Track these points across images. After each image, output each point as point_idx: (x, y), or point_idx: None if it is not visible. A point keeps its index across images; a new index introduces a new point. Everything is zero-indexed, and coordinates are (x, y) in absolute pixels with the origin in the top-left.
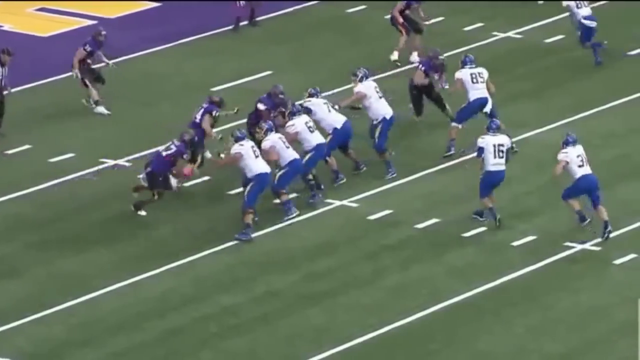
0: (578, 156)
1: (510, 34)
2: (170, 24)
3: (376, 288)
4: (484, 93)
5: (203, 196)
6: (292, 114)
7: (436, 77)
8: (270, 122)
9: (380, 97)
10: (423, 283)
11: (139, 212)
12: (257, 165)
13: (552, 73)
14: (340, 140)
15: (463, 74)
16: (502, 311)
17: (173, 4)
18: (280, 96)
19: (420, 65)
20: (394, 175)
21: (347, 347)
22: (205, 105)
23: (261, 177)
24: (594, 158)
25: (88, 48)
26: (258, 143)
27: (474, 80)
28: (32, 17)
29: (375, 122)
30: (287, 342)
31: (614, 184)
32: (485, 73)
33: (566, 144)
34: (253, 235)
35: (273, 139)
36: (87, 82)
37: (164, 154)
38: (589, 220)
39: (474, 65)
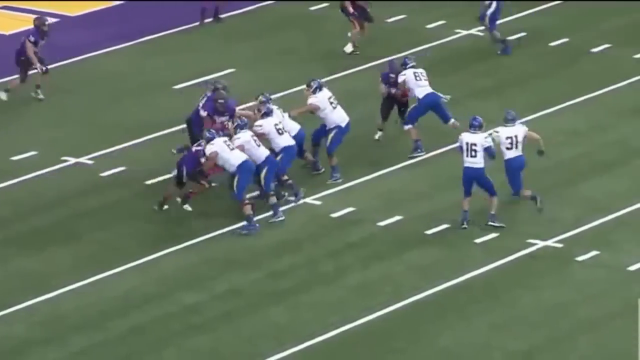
0: (508, 138)
1: (473, 31)
2: (131, 22)
3: (339, 286)
4: (430, 89)
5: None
6: (265, 114)
7: (393, 90)
8: (213, 131)
9: (335, 107)
10: (386, 281)
11: (185, 206)
12: (235, 158)
13: (514, 70)
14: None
15: (407, 74)
16: (465, 308)
17: (134, 2)
18: (220, 101)
19: (380, 78)
20: (338, 181)
21: (310, 345)
22: (208, 94)
23: (243, 166)
24: (556, 155)
25: (32, 38)
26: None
27: (417, 78)
28: None
29: (328, 129)
30: (249, 341)
31: (576, 182)
32: (425, 73)
33: (505, 121)
34: (218, 232)
35: (244, 138)
36: (24, 71)
37: (194, 149)
38: (539, 198)
39: (415, 64)
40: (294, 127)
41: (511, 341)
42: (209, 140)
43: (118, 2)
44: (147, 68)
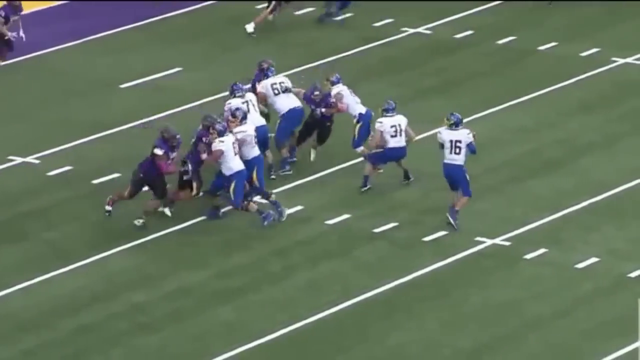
0: (392, 126)
1: (420, 29)
2: (80, 20)
3: (287, 285)
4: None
5: (113, 193)
6: (220, 133)
7: (318, 111)
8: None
9: (277, 94)
10: (334, 279)
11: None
12: (237, 163)
13: (461, 68)
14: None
15: (340, 88)
16: (414, 307)
17: (82, 1)
18: (177, 137)
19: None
20: (289, 173)
21: (258, 344)
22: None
23: (242, 174)
24: (503, 153)
25: (2, 13)
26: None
27: (353, 94)
28: None
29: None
30: (198, 340)
31: (523, 179)
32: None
33: (385, 111)
34: (166, 231)
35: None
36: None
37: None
38: (368, 187)
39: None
40: (260, 121)
41: (460, 339)
42: (220, 133)
43: (66, 1)
44: (94, 67)
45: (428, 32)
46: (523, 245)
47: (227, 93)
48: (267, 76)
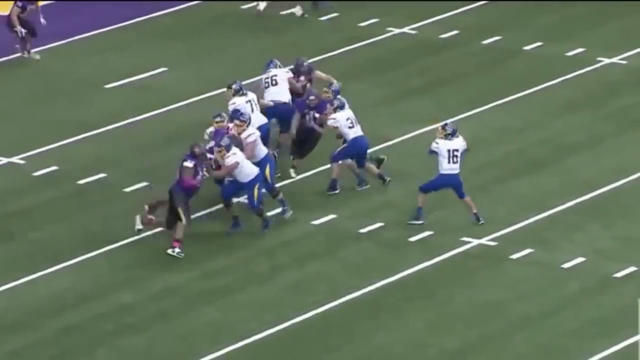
0: (347, 119)
1: (406, 29)
2: (64, 20)
3: (274, 285)
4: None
5: (98, 194)
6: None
7: (312, 114)
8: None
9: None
10: (320, 279)
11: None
12: (251, 168)
13: (447, 68)
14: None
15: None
16: (400, 307)
17: (67, 1)
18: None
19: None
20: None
21: (245, 344)
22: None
23: (259, 177)
24: (488, 153)
25: (20, 4)
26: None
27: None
28: None
29: None
30: (184, 340)
31: (509, 179)
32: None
33: (336, 109)
34: (152, 232)
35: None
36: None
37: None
38: (337, 190)
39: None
40: (262, 119)
41: (446, 339)
42: (228, 148)
43: (51, 1)
44: (79, 67)
45: (413, 32)
46: (509, 245)
47: (213, 93)
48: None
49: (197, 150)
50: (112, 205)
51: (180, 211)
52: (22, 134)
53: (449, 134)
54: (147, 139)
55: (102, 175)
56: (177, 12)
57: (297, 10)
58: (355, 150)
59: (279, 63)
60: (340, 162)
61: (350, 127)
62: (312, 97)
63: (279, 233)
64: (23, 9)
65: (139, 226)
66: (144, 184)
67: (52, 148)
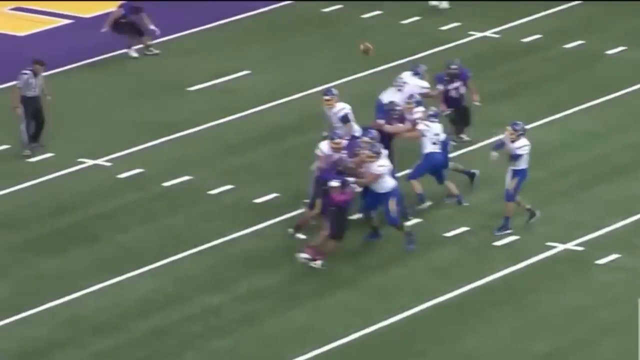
0: (436, 134)
1: (488, 33)
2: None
3: (360, 289)
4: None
5: (183, 196)
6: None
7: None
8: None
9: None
10: (407, 283)
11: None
12: (391, 180)
13: (529, 72)
14: None
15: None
16: (486, 311)
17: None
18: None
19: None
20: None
21: (331, 348)
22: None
23: (397, 190)
24: (574, 158)
25: (122, 11)
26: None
27: (435, 140)
28: (7, 17)
29: None
30: (270, 343)
31: (595, 184)
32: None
33: (430, 117)
34: (238, 234)
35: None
36: (132, 34)
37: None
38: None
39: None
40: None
41: (534, 344)
42: (378, 156)
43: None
44: (163, 69)
45: (495, 35)
46: (595, 250)
47: (296, 96)
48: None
49: (341, 167)
50: (197, 208)
51: (328, 224)
52: (108, 136)
53: (521, 134)
54: (231, 141)
55: (187, 177)
56: (261, 15)
57: (438, 3)
58: (430, 165)
59: (425, 68)
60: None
61: (433, 143)
62: (397, 108)
63: (361, 236)
64: (123, 16)
65: (304, 256)
66: (228, 186)
67: (137, 150)
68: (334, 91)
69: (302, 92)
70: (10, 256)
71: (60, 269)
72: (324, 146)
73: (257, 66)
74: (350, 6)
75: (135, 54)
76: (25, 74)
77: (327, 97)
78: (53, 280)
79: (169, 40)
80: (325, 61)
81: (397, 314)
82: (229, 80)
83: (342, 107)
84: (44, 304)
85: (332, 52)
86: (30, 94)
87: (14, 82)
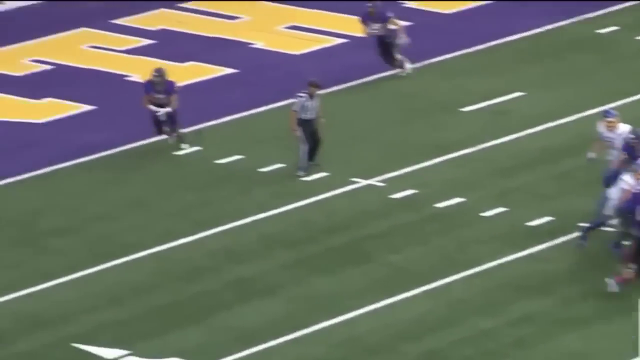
0: None
1: None
2: (420, 43)
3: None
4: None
5: (456, 218)
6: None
7: None
8: None
9: None
10: None
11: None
12: None
13: None
14: None
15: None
16: None
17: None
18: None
19: None
20: None
21: None
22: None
23: None
24: None
25: (375, 26)
26: None
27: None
28: (282, 35)
29: None
30: None
31: None
32: None
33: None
34: (509, 257)
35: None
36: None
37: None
38: None
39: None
40: None
41: None
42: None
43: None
44: (435, 89)
45: None
46: None
47: (570, 118)
48: None
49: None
50: (469, 230)
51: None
52: (381, 156)
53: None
54: (503, 163)
55: (459, 199)
56: (533, 36)
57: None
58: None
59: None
60: None
61: None
62: (632, 137)
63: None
64: (363, 22)
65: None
66: (501, 208)
67: (410, 171)
68: (615, 112)
69: (577, 113)
70: (284, 275)
71: (333, 289)
72: (629, 179)
73: (530, 87)
74: (626, 28)
75: (409, 70)
76: (302, 96)
77: (610, 119)
78: (326, 299)
79: (441, 60)
80: (601, 83)
81: None
82: (501, 101)
83: (624, 129)
84: (318, 323)
85: (607, 73)
86: (306, 116)
87: (289, 101)
